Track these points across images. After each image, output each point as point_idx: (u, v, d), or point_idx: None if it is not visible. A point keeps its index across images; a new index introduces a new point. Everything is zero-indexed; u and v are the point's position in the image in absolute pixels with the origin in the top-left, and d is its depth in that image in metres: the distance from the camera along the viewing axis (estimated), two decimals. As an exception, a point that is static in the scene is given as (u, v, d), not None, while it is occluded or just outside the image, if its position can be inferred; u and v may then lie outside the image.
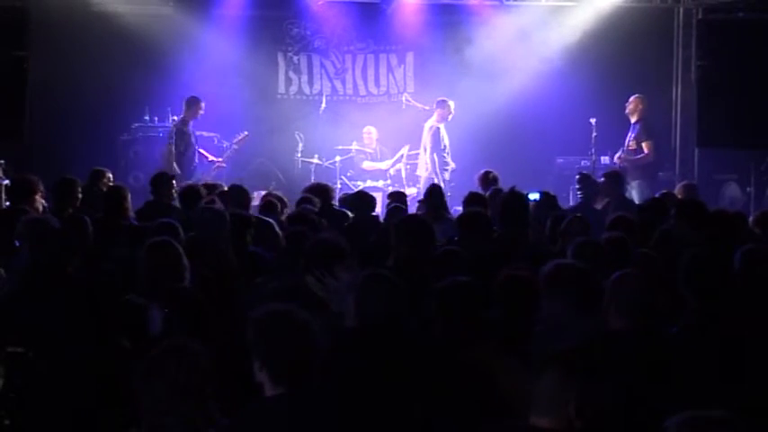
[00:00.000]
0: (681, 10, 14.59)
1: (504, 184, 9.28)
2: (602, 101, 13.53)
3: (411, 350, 4.44)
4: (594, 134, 12.85)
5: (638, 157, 12.44)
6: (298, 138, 13.92)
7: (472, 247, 6.40)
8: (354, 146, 14.09)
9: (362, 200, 8.96)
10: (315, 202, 8.59)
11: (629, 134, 12.63)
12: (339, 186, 12.85)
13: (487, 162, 11.82)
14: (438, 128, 13.17)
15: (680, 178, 13.07)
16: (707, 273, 4.96)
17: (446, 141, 13.22)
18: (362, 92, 15.24)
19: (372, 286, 4.50)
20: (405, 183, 13.56)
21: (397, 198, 9.43)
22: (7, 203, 9.34)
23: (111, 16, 13.70)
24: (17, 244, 6.38)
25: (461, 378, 4.31)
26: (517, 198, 7.40)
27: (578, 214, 7.43)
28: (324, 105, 14.43)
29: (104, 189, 9.15)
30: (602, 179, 10.12)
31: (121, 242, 6.98)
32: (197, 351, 3.56)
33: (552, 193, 8.94)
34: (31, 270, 5.37)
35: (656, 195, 9.60)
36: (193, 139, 12.74)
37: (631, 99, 12.76)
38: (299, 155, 13.84)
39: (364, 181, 13.56)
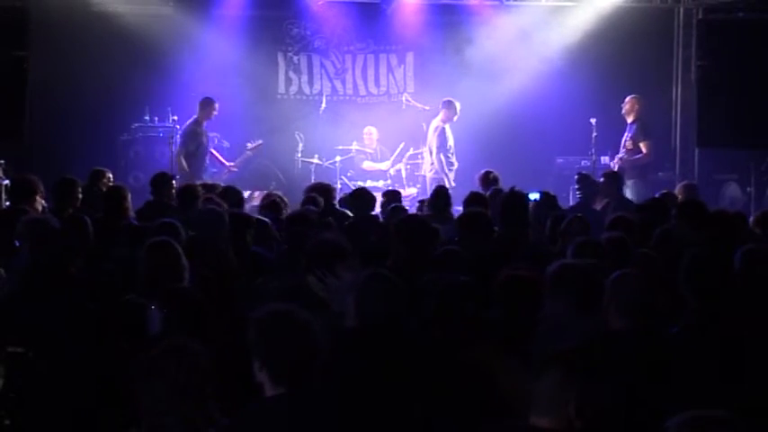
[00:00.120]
0: (681, 10, 14.59)
1: (505, 184, 9.29)
2: (603, 101, 13.53)
3: (411, 350, 4.44)
4: (594, 134, 12.85)
5: (637, 157, 12.44)
6: (298, 138, 13.92)
7: (472, 247, 6.40)
8: (354, 146, 14.09)
9: (362, 198, 8.93)
10: (319, 202, 8.60)
11: (626, 134, 12.64)
12: (339, 186, 12.85)
13: (487, 162, 11.83)
14: (444, 128, 13.18)
15: (680, 178, 13.08)
16: (707, 273, 4.95)
17: (451, 142, 13.23)
18: (362, 92, 15.24)
19: (372, 286, 4.50)
20: (405, 183, 13.57)
21: (393, 197, 9.42)
22: (7, 203, 9.34)
23: (111, 16, 13.70)
24: (17, 244, 6.38)
25: (461, 378, 4.31)
26: (517, 198, 7.40)
27: (579, 214, 7.43)
28: (324, 105, 14.43)
29: (104, 189, 9.15)
30: (602, 179, 10.12)
31: (121, 242, 6.97)
32: (197, 351, 3.55)
33: (552, 193, 8.93)
34: (32, 270, 5.37)
35: (656, 195, 9.60)
36: (205, 140, 12.77)
37: (627, 99, 12.76)
38: (299, 155, 13.84)
39: (364, 181, 13.55)
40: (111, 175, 9.94)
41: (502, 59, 14.17)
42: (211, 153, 13.13)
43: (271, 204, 8.46)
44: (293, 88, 15.18)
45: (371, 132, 14.32)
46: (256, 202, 9.61)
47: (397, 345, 4.42)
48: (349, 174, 13.88)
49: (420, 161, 13.75)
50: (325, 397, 3.75)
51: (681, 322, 4.88)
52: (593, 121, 12.84)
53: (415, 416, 4.28)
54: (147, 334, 4.86)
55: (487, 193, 9.18)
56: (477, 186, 10.07)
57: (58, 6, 13.39)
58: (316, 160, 13.76)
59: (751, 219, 8.44)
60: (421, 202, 9.85)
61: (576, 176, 10.17)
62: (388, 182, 13.63)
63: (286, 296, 4.83)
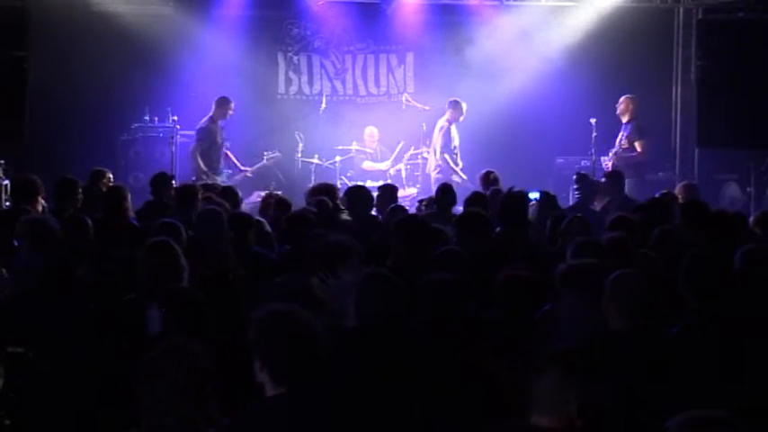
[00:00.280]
0: (681, 10, 14.58)
1: (505, 184, 9.29)
2: (603, 101, 13.51)
3: (411, 350, 4.44)
4: (594, 134, 12.84)
5: (632, 155, 12.45)
6: (298, 138, 13.91)
7: (472, 247, 6.40)
8: (354, 146, 14.08)
9: (360, 196, 8.90)
10: (327, 204, 8.58)
11: (621, 134, 12.65)
12: (339, 187, 12.83)
13: (488, 162, 11.83)
14: (449, 128, 13.19)
15: (680, 178, 13.08)
16: (707, 273, 4.95)
17: (456, 142, 13.24)
18: (362, 92, 15.23)
19: (372, 286, 4.50)
20: (405, 183, 13.57)
21: (388, 191, 9.37)
22: (7, 203, 9.35)
23: (111, 16, 13.69)
24: (16, 244, 6.38)
25: (461, 378, 4.30)
26: (517, 198, 7.41)
27: (579, 214, 7.43)
28: (324, 105, 14.42)
29: (104, 189, 9.15)
30: (603, 179, 10.12)
31: (121, 242, 6.97)
32: (197, 351, 3.55)
33: (552, 192, 8.94)
34: (38, 273, 5.37)
35: (656, 195, 9.60)
36: (219, 139, 12.77)
37: (621, 100, 12.77)
38: (299, 155, 13.82)
39: (364, 181, 13.52)
40: (111, 176, 9.94)
41: (502, 59, 14.17)
42: (226, 154, 13.11)
43: (275, 204, 8.45)
44: (293, 88, 15.17)
45: (373, 134, 14.31)
46: (255, 199, 9.59)
47: (397, 345, 4.42)
48: (349, 174, 13.87)
49: (420, 161, 13.75)
50: (326, 397, 3.75)
51: (681, 322, 4.88)
52: (593, 121, 12.83)
53: (415, 416, 4.28)
54: (147, 334, 4.87)
55: (487, 193, 9.19)
56: (477, 186, 10.08)
57: (58, 6, 13.38)
58: (316, 160, 13.75)
59: (751, 219, 8.44)
60: (420, 201, 9.85)
61: (574, 176, 10.18)
62: (389, 182, 13.61)
63: (288, 296, 4.83)
